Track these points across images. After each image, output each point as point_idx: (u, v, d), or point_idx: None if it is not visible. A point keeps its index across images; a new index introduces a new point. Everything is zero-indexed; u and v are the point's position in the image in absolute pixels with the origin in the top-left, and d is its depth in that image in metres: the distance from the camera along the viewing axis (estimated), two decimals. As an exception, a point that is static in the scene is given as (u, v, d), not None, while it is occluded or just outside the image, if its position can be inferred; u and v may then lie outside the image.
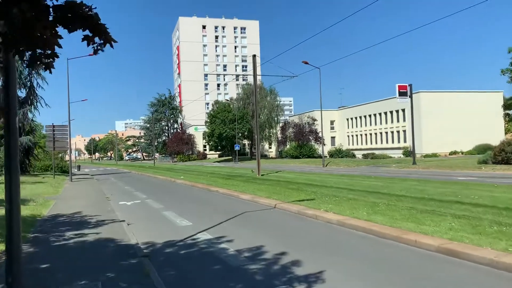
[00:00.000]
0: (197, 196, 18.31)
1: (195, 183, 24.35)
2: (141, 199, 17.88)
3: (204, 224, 10.76)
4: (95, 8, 3.11)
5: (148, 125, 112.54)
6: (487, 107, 52.82)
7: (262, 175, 28.54)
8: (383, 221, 9.26)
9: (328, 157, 64.56)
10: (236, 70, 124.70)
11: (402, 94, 32.81)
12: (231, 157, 79.12)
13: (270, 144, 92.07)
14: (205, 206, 14.73)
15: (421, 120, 51.37)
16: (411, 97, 32.84)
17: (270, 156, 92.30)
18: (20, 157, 35.30)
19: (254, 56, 28.19)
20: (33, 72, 37.09)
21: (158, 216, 12.83)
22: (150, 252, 7.92)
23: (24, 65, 36.34)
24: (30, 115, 36.37)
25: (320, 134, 63.67)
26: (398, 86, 32.62)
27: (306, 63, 38.33)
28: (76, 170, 56.67)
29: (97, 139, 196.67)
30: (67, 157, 58.27)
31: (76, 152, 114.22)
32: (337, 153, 62.79)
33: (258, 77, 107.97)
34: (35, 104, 37.16)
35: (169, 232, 10.05)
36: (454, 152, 50.72)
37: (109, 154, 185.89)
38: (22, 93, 36.89)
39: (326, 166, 41.31)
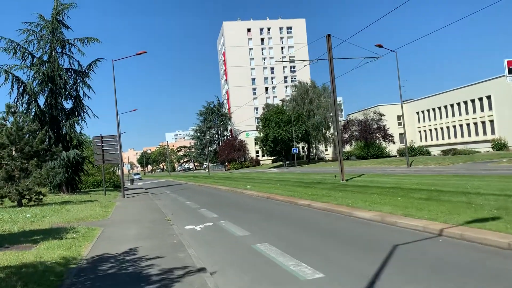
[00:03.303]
0: (285, 214, 13.56)
1: (270, 194, 19.68)
2: (212, 220, 13.39)
3: (344, 276, 5.96)
4: None
5: (198, 134, 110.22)
6: None
7: (346, 180, 23.42)
8: None
9: (397, 156, 58.04)
10: (284, 71, 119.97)
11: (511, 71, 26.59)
12: (288, 162, 74.18)
13: (326, 146, 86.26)
14: (311, 233, 9.91)
15: (512, 107, 44.10)
16: (523, 74, 26.51)
17: (327, 159, 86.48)
18: (69, 173, 32.53)
19: (328, 35, 23.28)
20: (79, 81, 34.26)
21: (251, 254, 8.16)
22: None
23: (69, 74, 33.76)
24: (77, 128, 33.42)
25: (389, 131, 57.49)
26: (507, 61, 26.39)
27: (380, 46, 32.85)
28: (129, 184, 54.03)
29: (149, 151, 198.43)
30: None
31: (129, 165, 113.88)
32: (409, 151, 56.00)
33: (308, 76, 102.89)
34: (82, 115, 34.20)
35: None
36: (557, 142, 42.98)
37: (161, 166, 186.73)
38: (68, 104, 34.14)
39: (411, 165, 35.37)
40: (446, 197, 12.22)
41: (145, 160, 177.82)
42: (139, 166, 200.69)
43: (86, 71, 34.31)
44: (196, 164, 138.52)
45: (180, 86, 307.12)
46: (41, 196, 20.98)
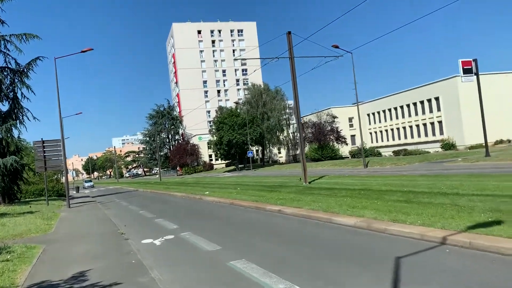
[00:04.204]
0: (256, 222, 12.32)
1: (232, 199, 18.37)
2: (172, 232, 11.88)
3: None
4: None
5: (147, 139, 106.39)
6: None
7: (309, 182, 22.59)
8: None
9: (350, 157, 58.66)
10: (236, 74, 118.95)
11: (466, 71, 26.94)
12: (242, 165, 73.04)
13: (279, 149, 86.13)
14: (294, 245, 8.73)
15: (460, 107, 45.64)
16: (477, 75, 26.89)
17: (281, 161, 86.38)
18: (6, 182, 29.34)
19: (289, 33, 22.39)
20: (16, 80, 31.14)
21: (230, 275, 6.82)
22: None
23: (5, 74, 30.58)
24: (15, 132, 30.24)
25: (341, 133, 58.00)
26: (462, 62, 26.69)
27: (337, 47, 32.54)
28: (74, 192, 50.54)
29: (95, 157, 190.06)
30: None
31: (73, 172, 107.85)
32: (361, 153, 56.73)
33: (259, 79, 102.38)
34: (20, 118, 31.04)
35: None
36: (500, 141, 44.83)
37: (108, 172, 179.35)
38: (4, 106, 30.88)
39: (367, 166, 35.34)
40: (426, 199, 11.51)
41: (91, 166, 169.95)
42: (84, 173, 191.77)
43: (25, 70, 31.18)
44: (145, 170, 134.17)
45: (128, 89, 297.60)
46: (-29, 210, 18.35)
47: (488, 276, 5.45)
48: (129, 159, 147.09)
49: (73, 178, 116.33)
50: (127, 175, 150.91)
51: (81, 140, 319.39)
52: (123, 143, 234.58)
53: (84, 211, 21.77)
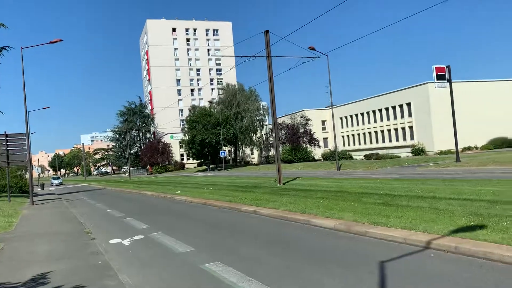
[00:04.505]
0: (231, 223, 11.89)
1: (205, 199, 17.87)
2: (142, 232, 11.31)
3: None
4: None
5: (117, 136, 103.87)
6: (501, 98, 48.42)
7: (283, 183, 22.33)
8: None
9: (322, 160, 58.95)
10: (210, 74, 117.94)
11: (440, 77, 27.32)
12: (214, 166, 72.31)
13: (252, 149, 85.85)
14: (273, 247, 8.36)
15: (431, 114, 46.49)
16: (450, 81, 27.30)
17: (253, 162, 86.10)
18: (-36, 177, 27.84)
19: (267, 31, 22.09)
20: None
21: (205, 279, 6.38)
22: None
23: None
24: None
25: (314, 135, 58.25)
26: (436, 68, 27.00)
27: (313, 48, 32.51)
28: (39, 189, 48.63)
29: (62, 154, 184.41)
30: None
31: (39, 168, 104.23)
32: (333, 156, 57.10)
33: (234, 79, 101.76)
34: (-18, 109, 29.55)
35: None
36: (468, 148, 45.98)
37: (75, 170, 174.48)
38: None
39: (340, 169, 35.45)
40: (404, 202, 11.39)
41: (57, 163, 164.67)
42: (51, 170, 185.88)
43: (-12, 60, 29.80)
44: (114, 168, 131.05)
45: (99, 84, 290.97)
46: None
47: (477, 282, 5.23)
48: (98, 156, 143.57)
49: (38, 175, 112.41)
50: (95, 173, 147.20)
51: (48, 136, 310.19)
52: (92, 140, 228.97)
53: (48, 208, 20.76)
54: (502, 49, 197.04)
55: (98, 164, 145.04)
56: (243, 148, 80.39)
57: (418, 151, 47.04)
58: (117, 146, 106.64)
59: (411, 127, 50.17)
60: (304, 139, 56.84)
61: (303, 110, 64.00)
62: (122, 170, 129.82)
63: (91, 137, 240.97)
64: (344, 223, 9.19)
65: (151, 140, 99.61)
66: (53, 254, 8.83)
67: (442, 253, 6.50)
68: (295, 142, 56.34)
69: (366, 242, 7.86)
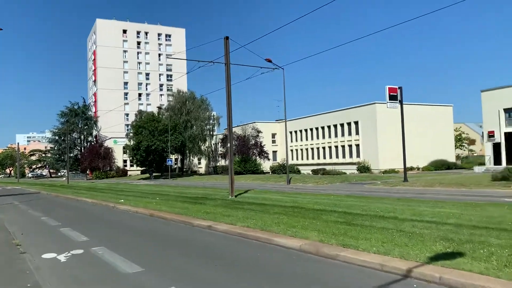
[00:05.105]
0: (184, 239, 10.85)
1: (152, 210, 16.59)
2: (81, 246, 9.98)
3: None
4: None
5: (57, 138, 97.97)
6: (439, 121, 50.95)
7: (235, 196, 21.48)
8: None
9: (270, 172, 58.83)
10: (160, 79, 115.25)
11: (392, 98, 27.90)
12: (159, 174, 69.94)
13: (200, 159, 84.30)
14: (236, 271, 7.48)
15: (377, 133, 47.85)
16: (401, 102, 27.98)
17: (200, 172, 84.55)
18: None
19: (227, 38, 21.35)
20: None
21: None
22: None
23: None
24: None
25: (264, 148, 58.09)
26: (388, 88, 27.57)
27: (270, 61, 32.17)
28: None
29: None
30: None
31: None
32: (281, 169, 57.18)
33: (184, 87, 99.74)
34: None
35: None
36: (411, 168, 47.69)
37: (8, 171, 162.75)
38: None
39: (290, 183, 35.16)
40: (367, 222, 10.94)
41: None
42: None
43: None
44: (51, 171, 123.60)
45: (40, 82, 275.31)
46: None
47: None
48: (34, 158, 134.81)
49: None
50: (30, 175, 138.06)
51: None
52: (28, 141, 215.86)
53: (-29, 214, 18.46)
54: (439, 76, 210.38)
55: (34, 166, 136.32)
56: (191, 157, 78.64)
57: (363, 168, 48.11)
58: (55, 148, 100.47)
59: (357, 145, 51.33)
60: (254, 151, 56.54)
61: (255, 122, 63.82)
62: (59, 174, 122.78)
63: (27, 137, 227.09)
64: (310, 243, 8.51)
65: (93, 143, 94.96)
66: (-29, 273, 7.40)
67: (425, 283, 5.95)
68: (245, 154, 55.84)
69: (339, 266, 7.20)
